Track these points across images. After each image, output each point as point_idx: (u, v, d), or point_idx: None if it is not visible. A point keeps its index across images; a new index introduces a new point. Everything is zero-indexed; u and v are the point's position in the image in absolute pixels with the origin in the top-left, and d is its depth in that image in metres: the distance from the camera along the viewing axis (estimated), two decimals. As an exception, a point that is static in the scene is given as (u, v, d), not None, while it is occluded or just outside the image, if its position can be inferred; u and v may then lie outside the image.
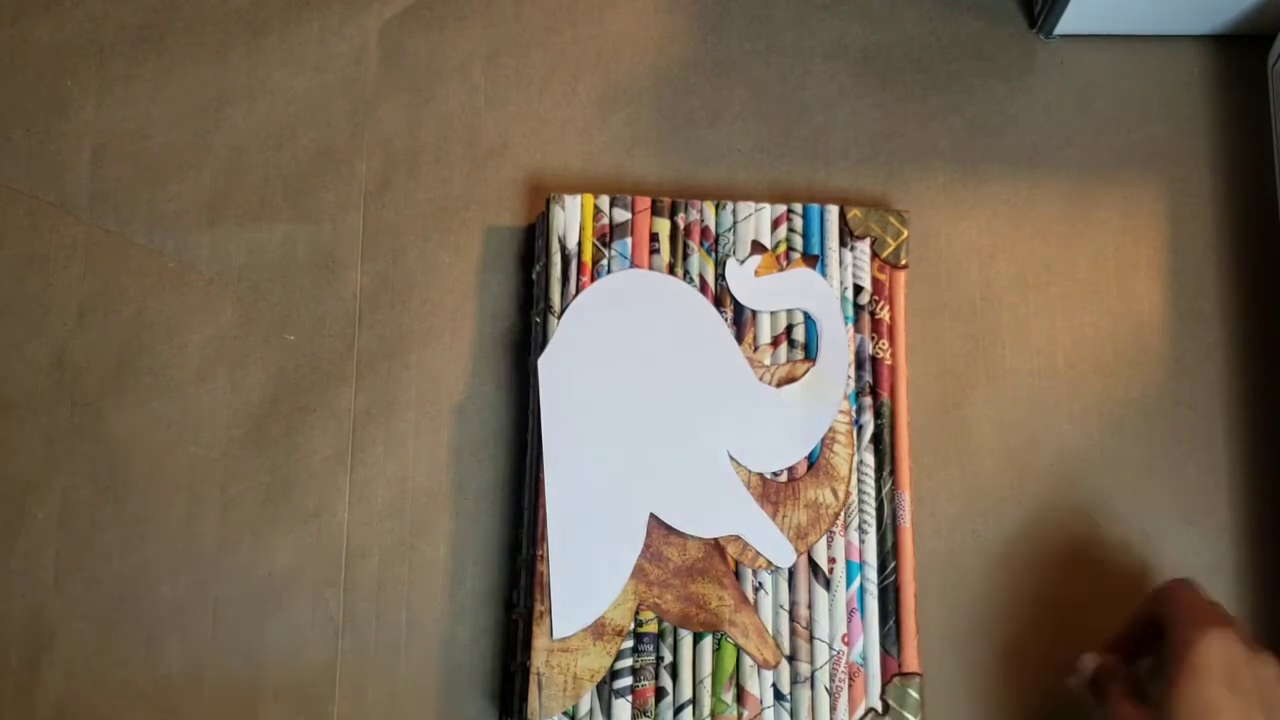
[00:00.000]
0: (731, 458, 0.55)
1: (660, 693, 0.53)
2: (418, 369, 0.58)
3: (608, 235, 0.56)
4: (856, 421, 0.55)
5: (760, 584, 0.54)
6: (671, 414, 0.55)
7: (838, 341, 0.56)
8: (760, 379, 0.55)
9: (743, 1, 0.62)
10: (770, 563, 0.54)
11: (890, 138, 0.61)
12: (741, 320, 0.56)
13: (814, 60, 0.62)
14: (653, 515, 0.54)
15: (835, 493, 0.55)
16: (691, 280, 0.56)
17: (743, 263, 0.56)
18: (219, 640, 0.55)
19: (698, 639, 0.53)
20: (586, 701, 0.52)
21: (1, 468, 0.56)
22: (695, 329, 0.56)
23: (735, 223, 0.57)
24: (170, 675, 0.54)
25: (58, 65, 0.60)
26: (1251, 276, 0.60)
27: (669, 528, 0.54)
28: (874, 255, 0.57)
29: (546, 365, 0.55)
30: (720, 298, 0.56)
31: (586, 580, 0.53)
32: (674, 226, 0.57)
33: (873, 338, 0.56)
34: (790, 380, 0.55)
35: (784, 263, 0.57)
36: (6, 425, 0.56)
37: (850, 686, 0.53)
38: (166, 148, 0.59)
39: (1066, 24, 0.61)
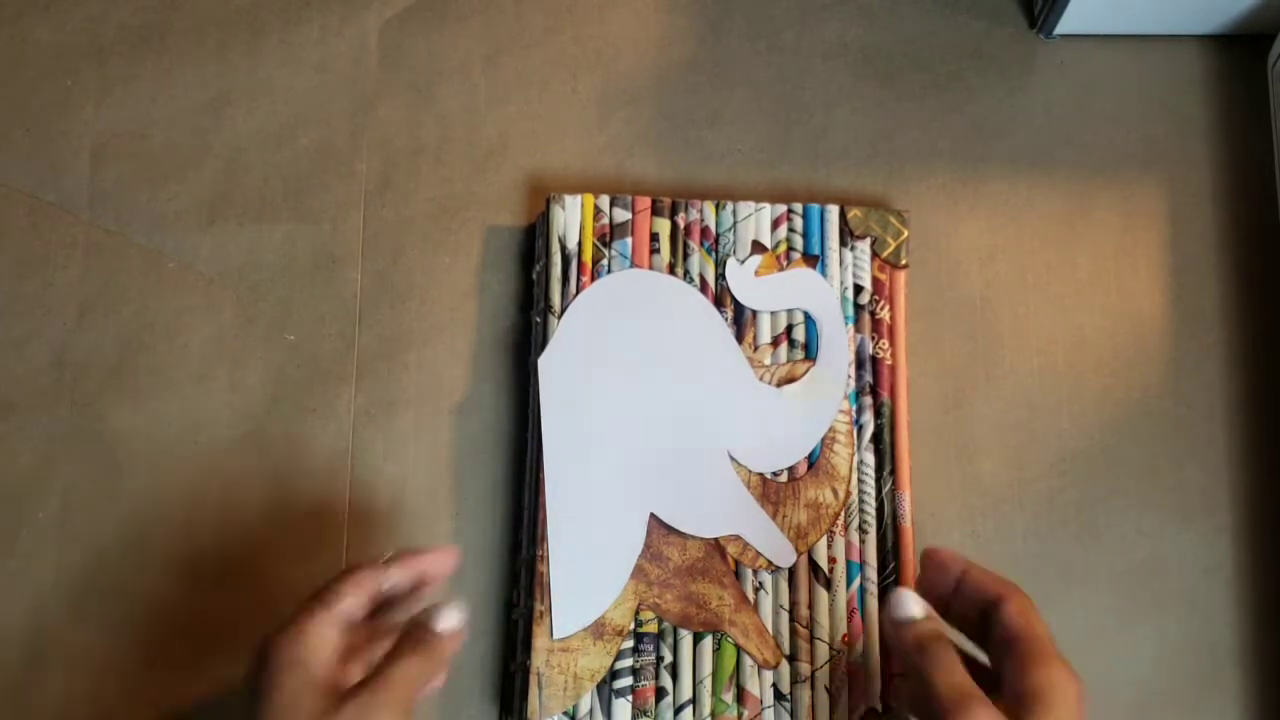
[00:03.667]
0: (732, 458, 0.55)
1: (660, 693, 0.53)
2: (417, 369, 0.58)
3: (608, 235, 0.56)
4: (857, 421, 0.55)
5: (760, 584, 0.54)
6: (672, 414, 0.55)
7: (838, 341, 0.56)
8: (760, 379, 0.55)
9: (743, 1, 0.62)
10: (771, 563, 0.54)
11: (890, 138, 0.61)
12: (741, 320, 0.56)
13: (814, 60, 0.62)
14: (653, 515, 0.54)
15: (835, 492, 0.55)
16: (692, 280, 0.56)
17: (743, 262, 0.56)
18: (219, 641, 0.54)
19: (698, 639, 0.53)
20: (586, 701, 0.52)
21: (1, 468, 0.56)
22: (696, 329, 0.56)
23: (735, 223, 0.57)
24: (170, 676, 0.54)
25: (58, 65, 0.60)
26: (1251, 276, 0.60)
27: (669, 528, 0.54)
28: (874, 255, 0.57)
29: (547, 365, 0.55)
30: (720, 297, 0.56)
31: (587, 580, 0.53)
32: (674, 226, 0.57)
33: (873, 337, 0.56)
34: (790, 380, 0.55)
35: (784, 263, 0.57)
36: (6, 425, 0.56)
37: (850, 687, 0.53)
38: (166, 148, 0.59)
39: (1066, 24, 0.61)
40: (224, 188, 0.59)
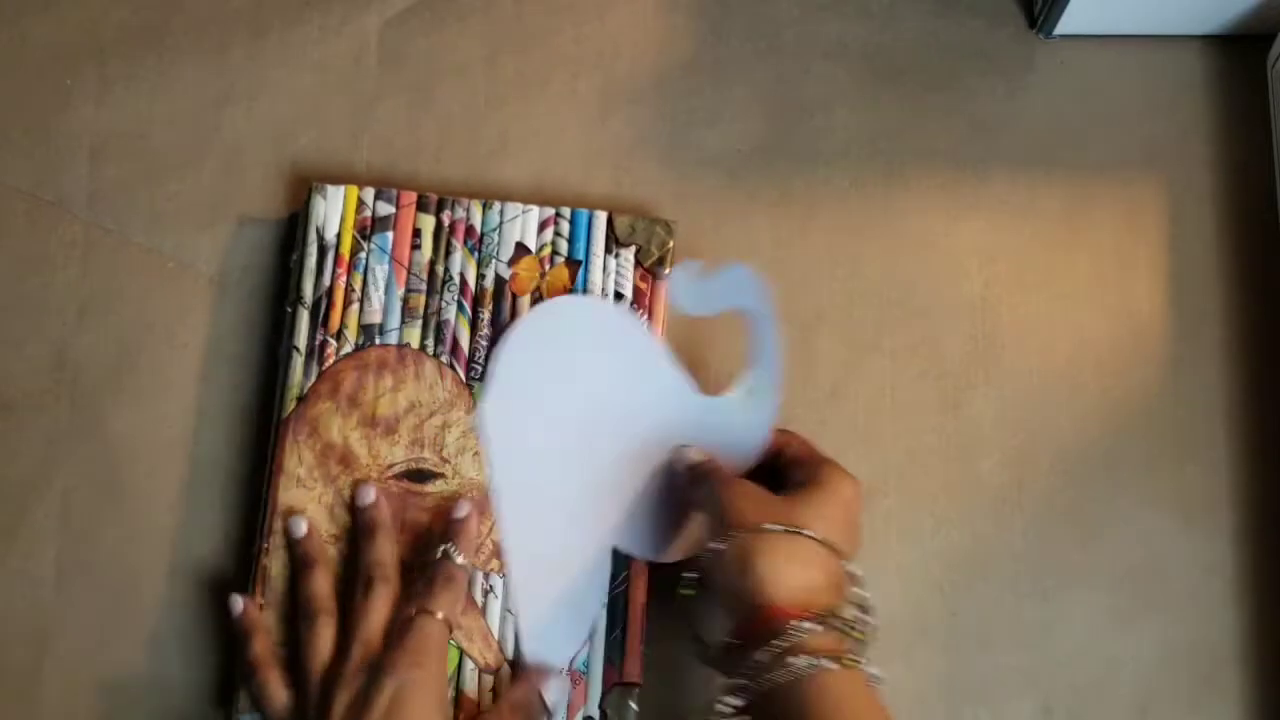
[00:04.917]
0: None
1: None
2: (418, 369, 0.57)
3: (369, 228, 0.56)
4: None
5: (491, 587, 0.53)
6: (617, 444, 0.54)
7: (777, 347, 0.55)
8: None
9: (743, 1, 0.62)
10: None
11: (890, 138, 0.61)
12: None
13: (814, 60, 0.62)
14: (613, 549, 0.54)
15: None
16: (451, 279, 0.56)
17: (682, 269, 0.56)
18: (218, 641, 0.54)
19: None
20: None
21: (1, 468, 0.56)
22: (629, 352, 0.55)
23: (501, 223, 0.56)
24: (170, 675, 0.54)
25: (58, 65, 0.60)
26: (1251, 276, 0.60)
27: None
28: (637, 264, 0.56)
29: (492, 409, 0.54)
30: (479, 298, 0.55)
31: (554, 621, 0.52)
32: (439, 223, 0.56)
33: None
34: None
35: (547, 266, 0.56)
36: (6, 425, 0.56)
37: (571, 693, 0.52)
38: (166, 147, 0.59)
39: (1066, 24, 0.61)
40: (224, 188, 0.59)
